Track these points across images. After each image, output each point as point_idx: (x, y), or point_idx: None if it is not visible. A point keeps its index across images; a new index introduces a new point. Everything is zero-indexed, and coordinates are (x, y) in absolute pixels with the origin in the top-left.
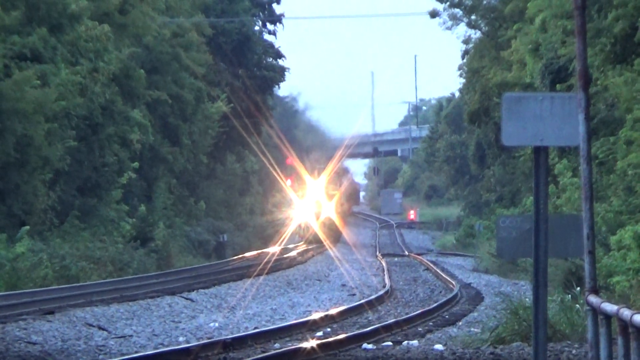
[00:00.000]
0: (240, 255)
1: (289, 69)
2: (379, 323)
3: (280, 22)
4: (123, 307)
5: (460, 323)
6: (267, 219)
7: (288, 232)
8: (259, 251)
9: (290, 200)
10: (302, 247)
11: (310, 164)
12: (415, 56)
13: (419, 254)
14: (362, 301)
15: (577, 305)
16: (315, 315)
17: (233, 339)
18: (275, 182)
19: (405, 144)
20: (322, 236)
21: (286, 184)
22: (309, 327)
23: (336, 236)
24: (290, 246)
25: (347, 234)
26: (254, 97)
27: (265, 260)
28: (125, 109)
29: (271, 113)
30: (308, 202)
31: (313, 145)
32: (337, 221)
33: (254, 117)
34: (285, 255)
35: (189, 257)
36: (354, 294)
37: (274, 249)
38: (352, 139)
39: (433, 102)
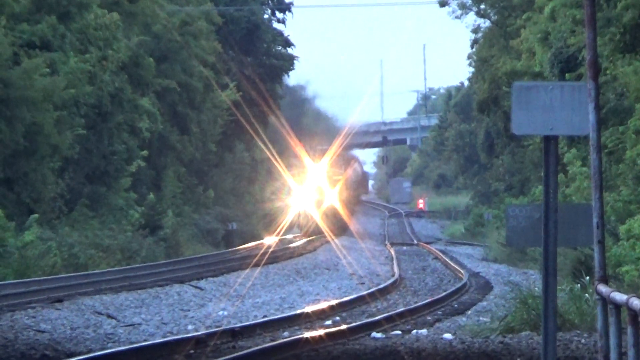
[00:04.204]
0: (242, 246)
1: (298, 57)
2: (388, 312)
3: (290, 11)
4: (132, 295)
5: (469, 312)
6: (266, 207)
7: (286, 221)
8: (252, 243)
9: (289, 187)
10: (301, 239)
11: (312, 146)
12: (424, 45)
13: (427, 243)
14: (371, 290)
15: (587, 295)
16: (324, 304)
17: (242, 327)
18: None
19: (414, 132)
20: (323, 227)
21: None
22: (318, 316)
23: (341, 227)
24: (289, 236)
25: (353, 224)
26: (263, 85)
27: (271, 249)
28: (134, 97)
29: (278, 102)
30: (308, 188)
31: (321, 133)
32: (342, 210)
33: (262, 106)
34: (289, 245)
35: (198, 246)
36: (363, 283)
37: (270, 241)
38: (360, 127)
39: (442, 91)
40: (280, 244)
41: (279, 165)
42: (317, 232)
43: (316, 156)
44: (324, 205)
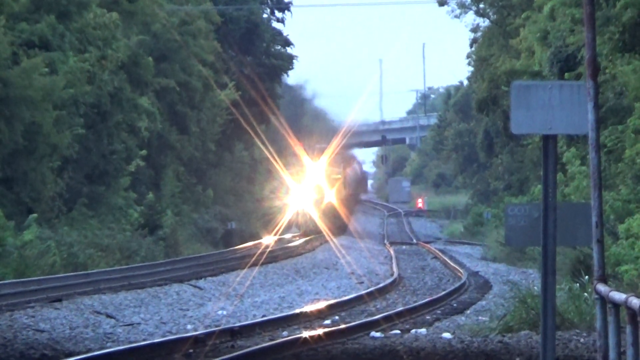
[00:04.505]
0: (241, 246)
1: (297, 57)
2: (387, 311)
3: (289, 10)
4: (131, 294)
5: (468, 311)
6: (265, 206)
7: (284, 220)
8: (251, 243)
9: (287, 186)
10: (300, 239)
11: (311, 145)
12: (423, 44)
13: (427, 242)
14: (370, 290)
15: (586, 294)
16: (323, 303)
17: (241, 326)
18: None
19: (413, 132)
20: (321, 226)
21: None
22: (317, 315)
23: (340, 226)
24: (288, 236)
25: (352, 224)
26: (262, 85)
27: (270, 249)
28: (133, 97)
29: (277, 102)
30: (307, 187)
31: (320, 132)
32: (341, 210)
33: (262, 105)
34: (288, 245)
35: (197, 245)
36: (362, 282)
37: (269, 240)
38: (359, 126)
39: (441, 90)
40: (279, 243)
41: (278, 165)
42: (316, 231)
43: (315, 155)
44: (323, 205)
